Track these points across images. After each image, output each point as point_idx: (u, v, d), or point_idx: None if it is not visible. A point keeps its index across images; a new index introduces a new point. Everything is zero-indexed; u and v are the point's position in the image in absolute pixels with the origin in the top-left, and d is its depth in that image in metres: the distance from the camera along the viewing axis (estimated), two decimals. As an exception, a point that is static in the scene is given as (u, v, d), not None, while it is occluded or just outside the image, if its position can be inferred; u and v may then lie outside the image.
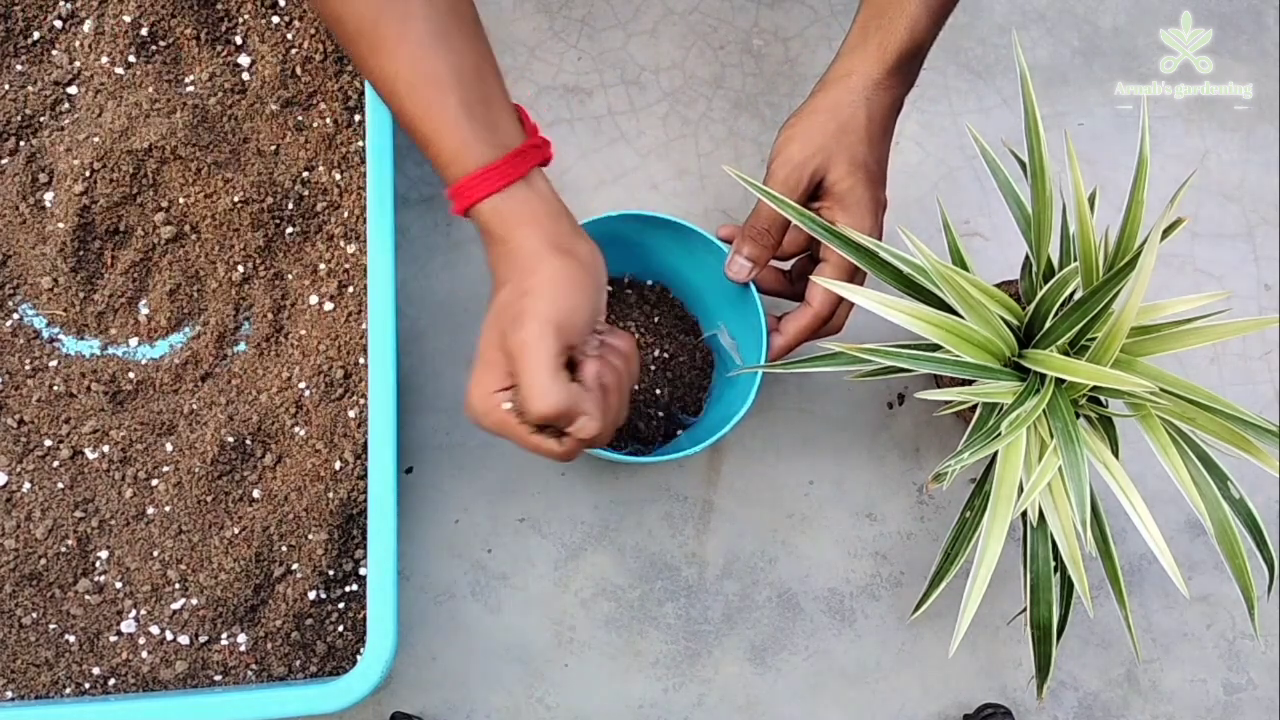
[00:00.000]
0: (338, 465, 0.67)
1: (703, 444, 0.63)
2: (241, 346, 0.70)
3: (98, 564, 0.65)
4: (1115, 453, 0.62)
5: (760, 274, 0.66)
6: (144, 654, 0.64)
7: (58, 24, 0.72)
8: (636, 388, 0.72)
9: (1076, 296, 0.60)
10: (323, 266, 0.70)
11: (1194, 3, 0.87)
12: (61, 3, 0.72)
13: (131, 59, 0.71)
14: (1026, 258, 0.64)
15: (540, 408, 0.51)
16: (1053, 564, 0.63)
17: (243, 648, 0.64)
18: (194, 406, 0.68)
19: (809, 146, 0.63)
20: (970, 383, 0.63)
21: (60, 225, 0.68)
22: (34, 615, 0.64)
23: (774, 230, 0.64)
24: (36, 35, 0.72)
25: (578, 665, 0.71)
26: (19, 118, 0.70)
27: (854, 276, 0.64)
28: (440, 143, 0.55)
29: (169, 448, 0.67)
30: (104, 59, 0.71)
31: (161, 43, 0.72)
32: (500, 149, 0.55)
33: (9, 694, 0.63)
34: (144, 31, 0.72)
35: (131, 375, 0.68)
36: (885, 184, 0.65)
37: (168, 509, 0.66)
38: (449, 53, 0.54)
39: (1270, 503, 0.78)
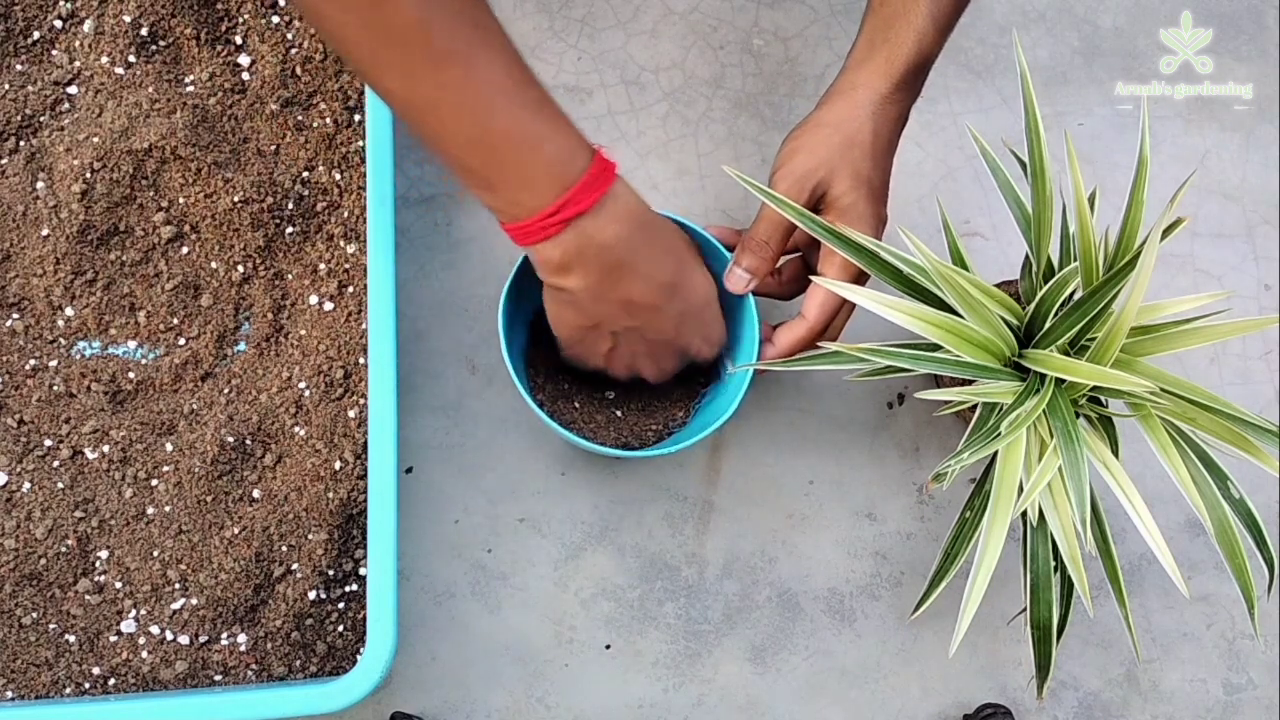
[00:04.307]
0: (338, 465, 0.67)
1: (687, 441, 0.64)
2: (241, 346, 0.70)
3: (98, 564, 0.65)
4: (1115, 453, 0.62)
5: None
6: (144, 654, 0.64)
7: (58, 24, 0.72)
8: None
9: (1076, 296, 0.60)
10: (323, 266, 0.70)
11: (1194, 3, 0.87)
12: (61, 3, 0.72)
13: (131, 59, 0.72)
14: (1026, 258, 0.64)
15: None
16: (1053, 564, 0.63)
17: (243, 648, 0.64)
18: (194, 406, 0.68)
19: (812, 159, 0.63)
20: (970, 383, 0.63)
21: (60, 225, 0.68)
22: (34, 615, 0.64)
23: (773, 242, 0.64)
24: (36, 35, 0.72)
25: (578, 665, 0.71)
26: (19, 118, 0.71)
27: (855, 276, 0.64)
28: (556, 139, 0.53)
29: (169, 448, 0.67)
30: (104, 59, 0.71)
31: (161, 43, 0.72)
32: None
33: (9, 694, 0.63)
34: (144, 31, 0.72)
35: (131, 375, 0.68)
36: (887, 200, 0.65)
37: (168, 509, 0.66)
38: (523, 63, 0.53)
39: (1270, 503, 0.78)
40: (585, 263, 0.56)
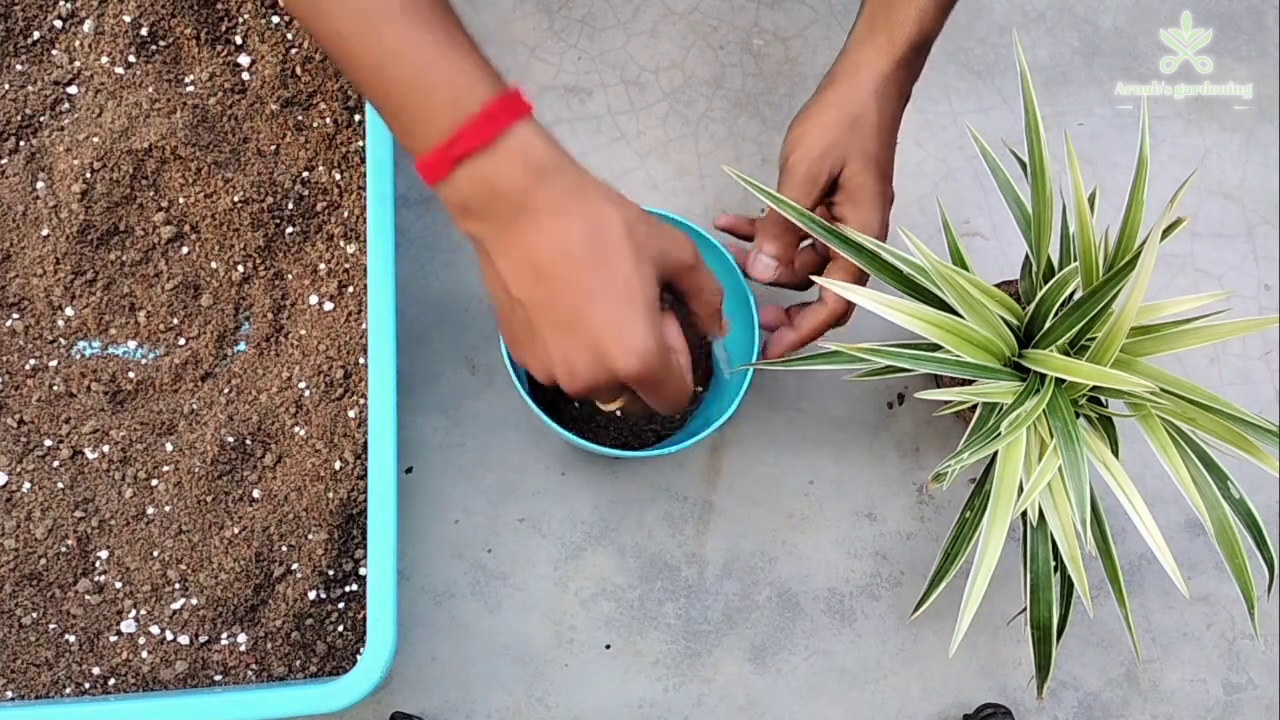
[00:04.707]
0: (338, 465, 0.67)
1: (687, 441, 0.64)
2: (241, 346, 0.70)
3: (98, 564, 0.65)
4: (1115, 453, 0.62)
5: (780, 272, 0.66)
6: (144, 654, 0.64)
7: (58, 24, 0.72)
8: None
9: (1076, 296, 0.60)
10: (323, 266, 0.70)
11: (1194, 3, 0.87)
12: (61, 3, 0.72)
13: (131, 59, 0.72)
14: (1026, 258, 0.65)
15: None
16: (1053, 564, 0.63)
17: (243, 648, 0.64)
18: (194, 406, 0.68)
19: (824, 141, 0.63)
20: (970, 382, 0.63)
21: (60, 225, 0.68)
22: (34, 615, 0.64)
23: (794, 225, 0.64)
24: (36, 35, 0.72)
25: (578, 665, 0.71)
26: (19, 118, 0.70)
27: (861, 275, 0.64)
28: (455, 70, 0.50)
29: (169, 448, 0.67)
30: (104, 59, 0.71)
31: (161, 43, 0.72)
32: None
33: (9, 694, 0.63)
34: (144, 31, 0.72)
35: (131, 375, 0.68)
36: (892, 178, 0.65)
37: (168, 509, 0.66)
38: None
39: (1270, 503, 0.78)
40: (483, 208, 0.51)
